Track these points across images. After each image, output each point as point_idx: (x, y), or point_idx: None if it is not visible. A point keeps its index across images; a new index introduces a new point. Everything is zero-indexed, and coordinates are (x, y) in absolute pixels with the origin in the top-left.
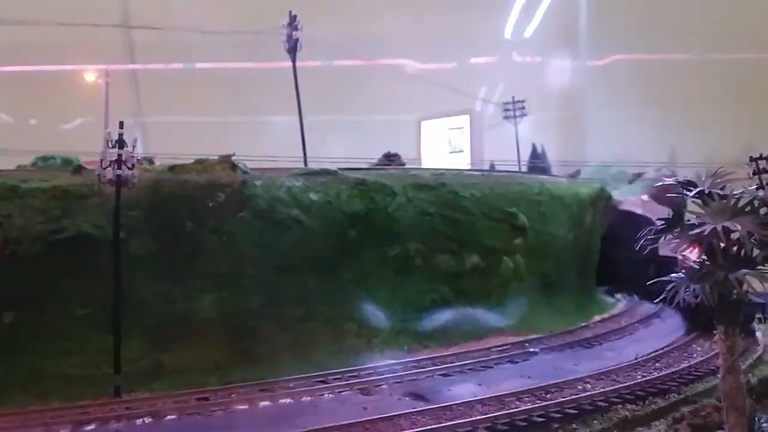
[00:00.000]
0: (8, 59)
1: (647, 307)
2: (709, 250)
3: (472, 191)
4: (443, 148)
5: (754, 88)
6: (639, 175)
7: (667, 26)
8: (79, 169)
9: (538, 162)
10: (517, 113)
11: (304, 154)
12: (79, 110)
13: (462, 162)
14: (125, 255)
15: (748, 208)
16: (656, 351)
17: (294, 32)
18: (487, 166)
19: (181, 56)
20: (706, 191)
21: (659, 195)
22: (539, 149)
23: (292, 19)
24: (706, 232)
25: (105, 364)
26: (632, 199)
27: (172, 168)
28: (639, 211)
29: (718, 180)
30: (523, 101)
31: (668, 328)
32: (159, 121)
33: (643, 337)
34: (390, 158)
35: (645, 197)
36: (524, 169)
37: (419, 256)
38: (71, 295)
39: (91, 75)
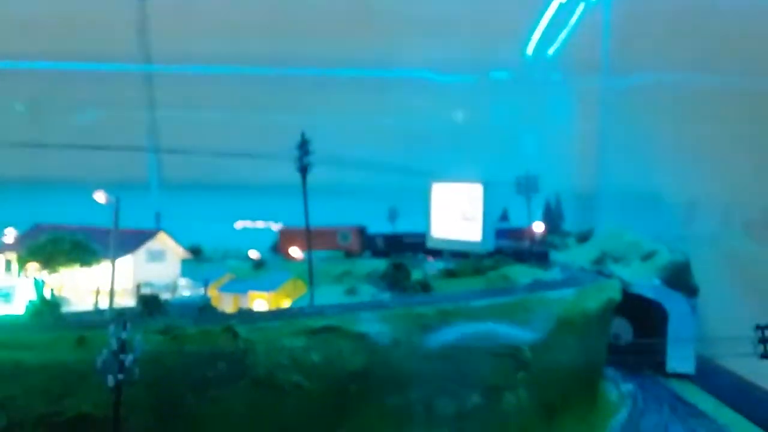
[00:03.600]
0: None
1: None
2: None
3: (476, 327)
4: (455, 214)
5: None
6: (651, 254)
7: (695, 46)
8: (82, 340)
9: (552, 223)
10: (530, 189)
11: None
12: None
13: (474, 230)
14: None
15: None
16: None
17: (304, 157)
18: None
19: None
20: None
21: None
22: (553, 204)
23: (304, 142)
24: None
25: None
26: (643, 283)
27: (175, 337)
28: (650, 296)
29: None
30: (536, 176)
31: None
32: None
33: None
34: (398, 267)
35: (657, 281)
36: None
37: (419, 402)
38: None
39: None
